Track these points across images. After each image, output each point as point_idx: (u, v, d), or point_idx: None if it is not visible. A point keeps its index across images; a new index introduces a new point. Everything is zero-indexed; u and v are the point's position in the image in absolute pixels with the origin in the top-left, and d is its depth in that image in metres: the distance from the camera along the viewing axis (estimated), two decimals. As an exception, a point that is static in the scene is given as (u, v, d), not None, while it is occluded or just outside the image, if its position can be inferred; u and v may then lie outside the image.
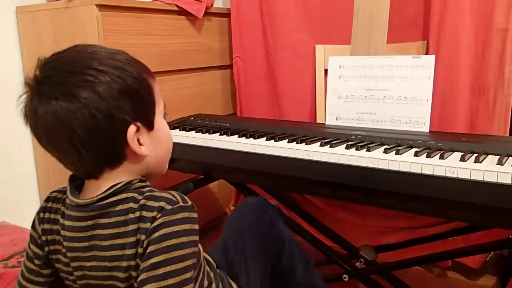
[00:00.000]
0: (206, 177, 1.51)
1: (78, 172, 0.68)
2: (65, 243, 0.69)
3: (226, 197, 2.17)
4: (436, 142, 1.12)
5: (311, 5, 1.79)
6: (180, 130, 1.48)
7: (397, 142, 1.16)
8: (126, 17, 1.60)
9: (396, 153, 1.05)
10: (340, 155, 1.08)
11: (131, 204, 0.65)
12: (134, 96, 0.64)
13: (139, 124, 0.65)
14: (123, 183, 0.66)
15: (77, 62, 0.63)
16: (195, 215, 0.66)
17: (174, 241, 0.61)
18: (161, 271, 0.60)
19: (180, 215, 0.63)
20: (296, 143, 1.19)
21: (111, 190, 0.66)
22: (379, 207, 1.43)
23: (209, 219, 2.10)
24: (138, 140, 0.66)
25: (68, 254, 0.70)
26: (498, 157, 0.98)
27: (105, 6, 1.51)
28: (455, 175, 0.94)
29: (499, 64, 1.44)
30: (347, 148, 1.12)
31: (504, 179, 0.88)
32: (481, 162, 0.95)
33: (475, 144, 1.07)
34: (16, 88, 0.66)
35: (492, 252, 1.60)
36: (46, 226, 0.73)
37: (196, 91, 1.95)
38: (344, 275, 1.36)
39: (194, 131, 1.44)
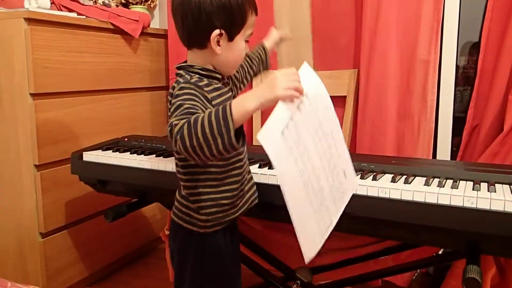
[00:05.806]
0: (140, 200, 1.46)
1: (182, 42, 0.98)
2: None
3: (160, 221, 2.10)
4: (369, 164, 1.17)
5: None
6: (113, 151, 1.42)
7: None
8: (57, 32, 1.53)
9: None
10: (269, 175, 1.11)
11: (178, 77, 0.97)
12: (229, 13, 0.91)
13: (223, 31, 0.91)
14: (185, 63, 0.97)
15: None
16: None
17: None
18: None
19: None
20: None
21: (179, 64, 0.99)
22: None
23: (143, 244, 2.02)
24: (218, 41, 0.92)
25: None
26: (425, 178, 1.04)
27: (34, 20, 1.44)
28: (387, 195, 0.98)
29: (422, 93, 1.54)
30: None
31: (431, 199, 0.94)
32: (410, 183, 1.01)
33: (403, 167, 1.14)
34: None
35: (418, 271, 1.68)
36: None
37: (131, 111, 1.90)
38: (280, 298, 1.36)
39: (129, 152, 1.39)
